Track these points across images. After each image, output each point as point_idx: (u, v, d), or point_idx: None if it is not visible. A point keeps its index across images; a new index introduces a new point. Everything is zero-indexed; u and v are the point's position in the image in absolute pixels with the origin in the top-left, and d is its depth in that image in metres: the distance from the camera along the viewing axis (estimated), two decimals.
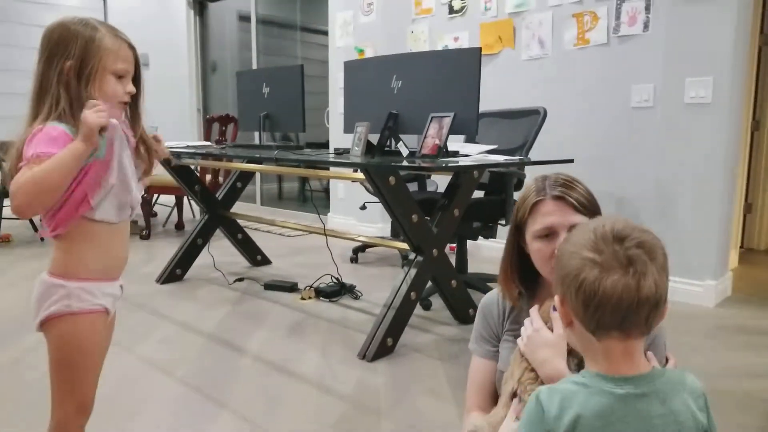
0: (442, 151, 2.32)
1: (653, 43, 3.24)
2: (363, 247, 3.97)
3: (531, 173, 3.29)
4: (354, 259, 3.85)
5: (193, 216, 5.34)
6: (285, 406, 1.87)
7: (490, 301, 1.27)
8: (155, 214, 5.21)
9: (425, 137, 2.41)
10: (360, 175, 2.45)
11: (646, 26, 3.30)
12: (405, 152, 2.45)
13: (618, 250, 0.77)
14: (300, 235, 4.78)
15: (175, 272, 3.29)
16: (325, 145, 4.95)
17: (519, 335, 1.15)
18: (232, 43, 6.76)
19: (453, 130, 2.36)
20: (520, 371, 1.08)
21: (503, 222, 2.85)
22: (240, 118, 3.49)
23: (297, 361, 2.22)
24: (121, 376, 2.06)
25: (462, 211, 2.50)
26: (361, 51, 4.81)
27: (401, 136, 2.57)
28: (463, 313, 2.61)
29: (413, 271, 2.36)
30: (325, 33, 5.19)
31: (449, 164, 2.22)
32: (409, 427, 1.71)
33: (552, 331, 1.06)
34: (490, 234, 2.97)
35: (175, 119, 6.70)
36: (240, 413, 1.81)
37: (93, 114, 1.08)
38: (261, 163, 3.28)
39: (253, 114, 3.31)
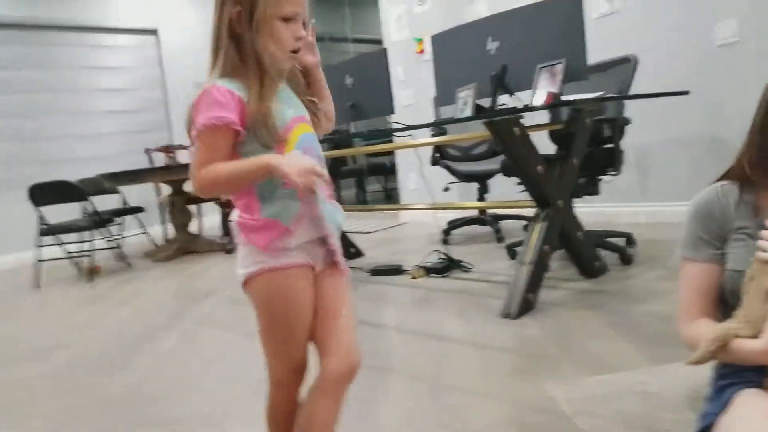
0: (558, 97, 2.27)
1: None
2: (449, 230, 3.93)
3: (646, 107, 3.24)
4: (445, 240, 3.81)
5: None
6: (452, 364, 1.83)
7: (709, 200, 1.19)
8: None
9: (536, 89, 2.37)
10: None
11: None
12: (521, 105, 2.41)
13: None
14: (379, 229, 4.78)
15: None
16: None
17: (751, 234, 1.10)
18: None
19: (564, 78, 2.31)
20: None
21: (614, 172, 2.78)
22: None
23: (441, 327, 2.19)
24: None
25: (580, 161, 2.44)
26: (420, 40, 4.82)
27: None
28: (590, 267, 2.54)
29: (544, 224, 2.31)
30: (375, 41, 5.23)
31: (574, 101, 2.17)
32: (590, 367, 1.65)
33: None
34: (595, 190, 2.90)
35: None
36: (412, 375, 1.77)
37: (301, 178, 0.97)
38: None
39: (340, 107, 3.32)
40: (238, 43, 1.07)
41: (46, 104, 5.83)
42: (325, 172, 1.03)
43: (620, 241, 2.89)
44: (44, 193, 4.02)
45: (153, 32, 6.63)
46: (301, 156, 1.04)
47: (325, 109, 1.24)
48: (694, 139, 3.44)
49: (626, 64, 2.94)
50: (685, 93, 2.54)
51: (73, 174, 4.63)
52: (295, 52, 1.12)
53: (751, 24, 3.11)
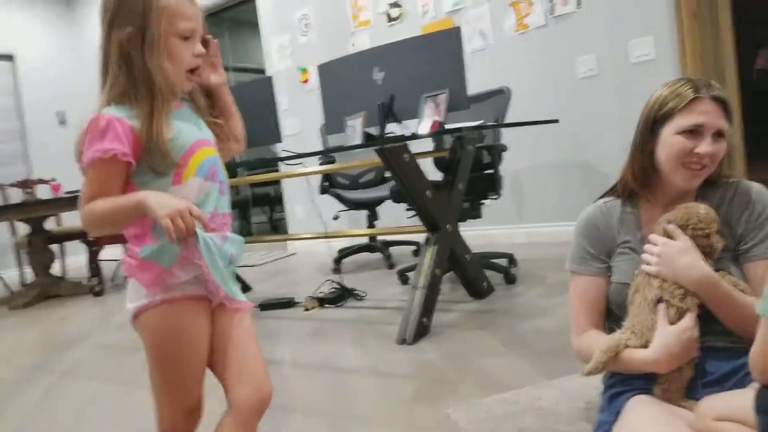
0: (443, 125, 2.34)
1: (589, 16, 3.48)
2: (341, 258, 3.91)
3: (519, 135, 3.44)
4: (337, 269, 3.77)
5: None
6: (352, 395, 1.79)
7: (594, 216, 1.25)
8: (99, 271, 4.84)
9: (422, 117, 2.43)
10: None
11: (579, 2, 3.53)
12: (409, 134, 2.45)
13: None
14: (266, 261, 4.64)
15: None
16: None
17: (634, 248, 1.17)
18: None
19: (447, 107, 2.40)
20: (657, 281, 1.09)
21: (495, 196, 2.91)
22: None
23: (339, 358, 2.14)
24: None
25: (465, 186, 2.53)
26: (305, 70, 4.82)
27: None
28: (478, 288, 2.62)
29: (435, 248, 2.35)
30: (258, 71, 5.16)
31: (460, 129, 2.25)
32: (488, 386, 1.68)
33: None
34: (477, 214, 3.02)
35: None
36: (312, 412, 1.71)
37: (169, 221, 0.92)
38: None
39: None
40: (129, 65, 1.02)
41: None
42: (201, 213, 0.98)
43: (503, 262, 3.02)
44: None
45: (8, 57, 6.07)
46: (173, 197, 0.98)
47: (234, 131, 1.20)
48: (563, 164, 3.71)
49: (501, 95, 3.12)
50: (555, 121, 2.74)
51: None
52: (193, 71, 1.08)
53: (608, 58, 3.44)
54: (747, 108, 4.68)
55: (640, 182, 1.19)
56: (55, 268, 4.52)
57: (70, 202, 4.15)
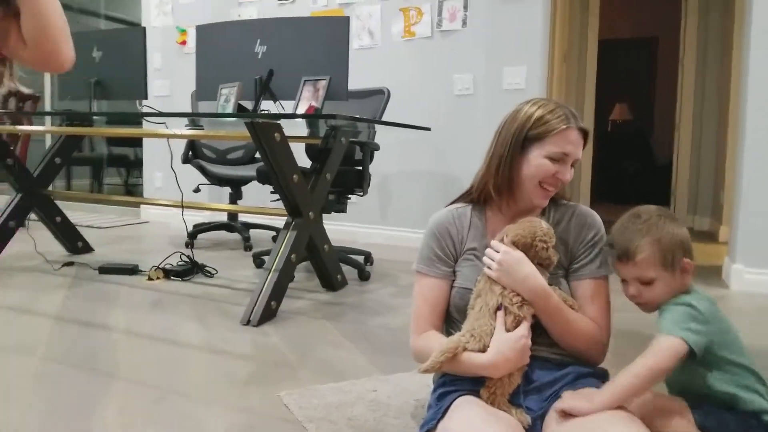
0: (319, 111, 2.34)
1: (471, 37, 3.67)
2: (195, 234, 3.75)
3: (391, 139, 3.50)
4: (190, 244, 3.61)
5: None
6: (184, 370, 1.72)
7: (445, 220, 1.30)
8: None
9: (299, 100, 2.41)
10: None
11: (464, 22, 3.70)
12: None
13: None
14: (114, 225, 4.33)
15: None
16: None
17: (478, 254, 1.24)
18: None
19: (326, 95, 2.40)
20: (499, 288, 1.16)
21: (361, 193, 2.96)
22: (61, 86, 3.07)
23: (177, 331, 2.04)
24: None
25: (333, 176, 2.54)
26: (183, 31, 4.56)
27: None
28: (332, 280, 2.64)
29: (293, 233, 2.34)
30: (131, 23, 4.81)
31: (335, 116, 2.25)
32: (326, 374, 1.70)
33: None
34: (342, 208, 3.05)
35: None
36: (138, 381, 1.61)
37: None
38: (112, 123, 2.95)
39: (80, 81, 2.93)
40: None
41: None
42: None
43: (360, 259, 3.08)
44: None
45: None
46: None
47: (26, 25, 0.86)
48: (429, 173, 3.87)
49: (380, 95, 3.18)
50: (428, 129, 2.84)
51: None
52: None
53: (483, 80, 3.64)
54: (597, 152, 5.17)
55: (499, 192, 1.25)
56: None
57: None
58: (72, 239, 3.23)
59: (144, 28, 2.90)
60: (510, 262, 1.15)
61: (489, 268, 1.18)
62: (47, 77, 5.52)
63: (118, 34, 3.04)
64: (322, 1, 4.11)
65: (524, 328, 1.13)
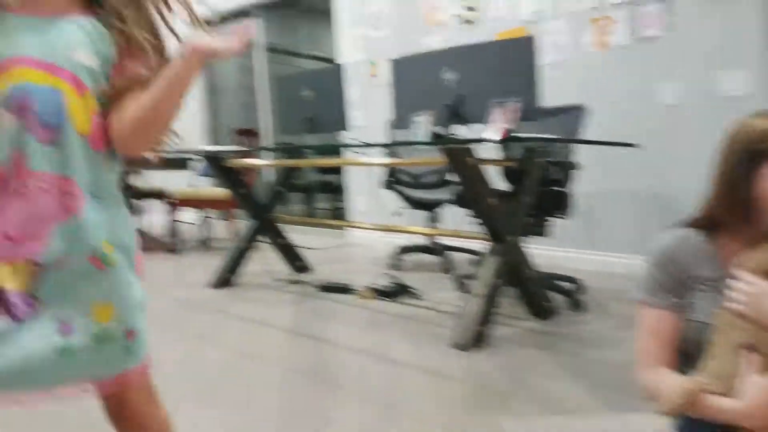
0: (512, 134, 2.30)
1: (676, 43, 3.34)
2: (401, 254, 3.91)
3: (593, 156, 3.34)
4: (394, 265, 3.78)
5: (213, 234, 5.19)
6: (403, 388, 1.79)
7: (672, 247, 1.18)
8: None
9: (489, 123, 2.40)
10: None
11: (668, 27, 3.39)
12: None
13: None
14: (326, 247, 4.70)
15: (227, 277, 3.19)
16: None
17: (714, 284, 1.11)
18: (232, 68, 6.80)
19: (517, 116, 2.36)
20: (745, 324, 1.03)
21: (563, 215, 2.84)
22: (281, 123, 3.46)
23: (391, 349, 2.15)
24: (217, 364, 1.95)
25: (532, 199, 2.48)
26: (374, 64, 4.85)
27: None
28: (540, 307, 2.56)
29: (495, 258, 2.32)
30: (327, 60, 5.25)
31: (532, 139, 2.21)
32: (543, 406, 1.64)
33: None
34: (543, 231, 2.94)
35: (188, 138, 6.65)
36: (363, 394, 1.72)
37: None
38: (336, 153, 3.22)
39: (295, 118, 3.27)
40: None
41: None
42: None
43: (569, 286, 2.94)
44: None
45: None
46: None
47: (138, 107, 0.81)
48: (639, 192, 3.59)
49: (576, 111, 3.03)
50: (632, 145, 2.66)
51: None
52: None
53: (694, 89, 3.30)
54: None
55: (733, 216, 1.13)
56: (138, 223, 4.76)
57: (148, 162, 4.35)
58: (294, 259, 3.57)
59: (340, 65, 3.14)
60: (758, 294, 1.02)
61: (732, 300, 1.05)
62: (263, 115, 6.22)
63: (320, 73, 3.33)
64: (506, 21, 4.06)
65: None
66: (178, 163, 4.49)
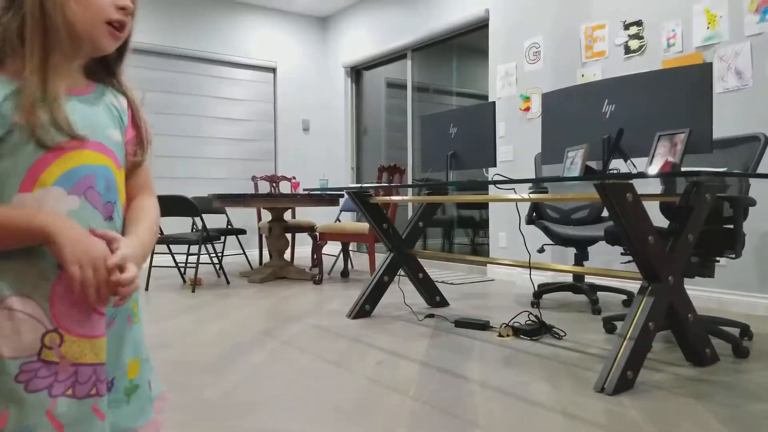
0: (677, 167, 2.15)
1: None
2: (541, 293, 3.78)
3: (766, 198, 3.03)
4: (535, 304, 3.66)
5: (351, 266, 5.42)
6: (540, 429, 1.71)
7: None
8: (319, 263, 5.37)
9: (653, 156, 2.26)
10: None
11: None
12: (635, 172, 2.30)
13: None
14: (464, 282, 4.68)
15: (364, 308, 3.30)
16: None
17: None
18: (381, 108, 7.11)
19: (685, 149, 2.20)
20: None
21: (732, 255, 2.58)
22: (423, 160, 3.54)
23: (528, 389, 2.07)
24: (354, 391, 2.01)
25: (695, 237, 2.28)
26: (527, 98, 4.81)
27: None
28: (699, 353, 2.33)
29: (650, 299, 2.16)
30: (481, 96, 5.28)
31: (696, 173, 2.04)
32: None
33: None
34: (708, 272, 2.69)
35: (333, 176, 7.11)
36: None
37: (78, 271, 0.73)
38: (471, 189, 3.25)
39: (439, 155, 3.33)
40: (20, 7, 0.76)
41: (168, 125, 6.28)
42: (129, 274, 0.76)
43: (734, 332, 2.65)
44: (162, 206, 4.24)
45: (272, 69, 7.04)
46: (90, 237, 0.76)
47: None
48: None
49: (754, 142, 2.76)
50: None
51: (185, 191, 4.92)
52: (114, 26, 0.82)
53: None
54: None
55: None
56: (287, 254, 5.15)
57: (304, 198, 4.67)
58: (431, 293, 3.60)
59: (494, 103, 3.15)
60: None
61: None
62: (410, 152, 6.41)
63: (471, 111, 3.37)
64: (677, 48, 3.84)
65: None
66: (327, 200, 4.77)
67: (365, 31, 6.82)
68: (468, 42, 6.04)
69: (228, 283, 4.66)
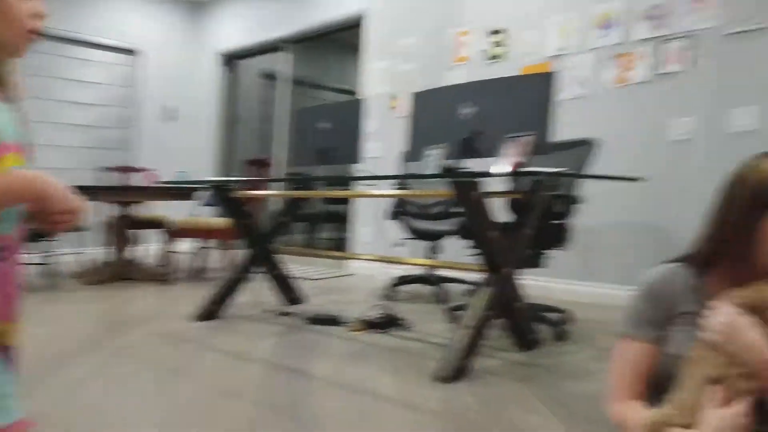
0: (524, 167, 2.30)
1: (696, 79, 3.35)
2: (397, 285, 3.89)
3: (599, 190, 3.32)
4: (390, 296, 3.76)
5: (208, 265, 5.21)
6: (380, 423, 1.76)
7: (661, 281, 1.18)
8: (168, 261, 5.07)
9: (501, 156, 2.40)
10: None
11: (690, 63, 3.40)
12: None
13: None
14: (325, 277, 4.70)
15: (213, 309, 3.16)
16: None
17: (695, 320, 1.10)
18: (253, 99, 6.92)
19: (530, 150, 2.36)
20: (717, 357, 1.02)
21: (562, 247, 2.82)
22: (294, 155, 3.50)
23: (373, 382, 2.11)
24: (188, 401, 1.93)
25: (533, 232, 2.46)
26: (397, 97, 4.93)
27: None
28: (525, 339, 2.53)
29: (491, 290, 2.30)
30: (352, 93, 5.33)
31: (534, 173, 2.20)
32: None
33: None
34: (540, 263, 2.93)
35: (198, 168, 6.75)
36: (337, 430, 1.69)
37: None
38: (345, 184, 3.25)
39: (309, 149, 3.30)
40: None
41: None
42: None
43: (557, 317, 2.90)
44: None
45: (132, 52, 6.56)
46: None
47: None
48: (641, 225, 3.55)
49: (586, 146, 3.04)
50: (634, 179, 2.63)
51: None
52: (34, 33, 0.88)
53: (705, 124, 3.29)
54: None
55: (729, 256, 1.12)
56: (135, 252, 4.76)
57: (157, 192, 4.40)
58: (287, 291, 3.56)
59: (360, 100, 3.17)
60: (734, 326, 1.01)
61: (707, 330, 1.04)
62: (277, 147, 6.30)
63: (340, 107, 3.37)
64: (533, 56, 4.11)
65: (744, 406, 0.96)
66: (182, 194, 4.52)
67: (242, 20, 6.57)
68: (345, 38, 6.06)
69: (55, 285, 4.10)
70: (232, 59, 6.88)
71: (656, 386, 1.15)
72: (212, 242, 4.91)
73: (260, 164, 5.26)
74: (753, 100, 3.13)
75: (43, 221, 0.84)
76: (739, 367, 0.99)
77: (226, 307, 3.22)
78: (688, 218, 3.25)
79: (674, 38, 3.47)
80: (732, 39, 3.23)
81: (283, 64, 6.29)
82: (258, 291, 3.54)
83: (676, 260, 1.21)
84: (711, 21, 3.33)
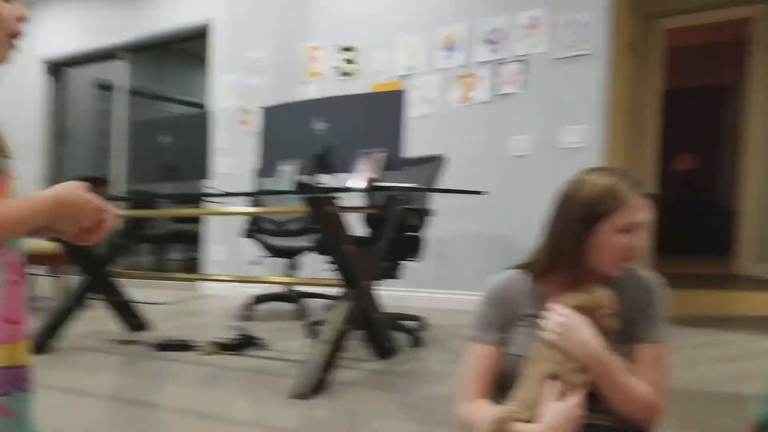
0: (377, 182, 2.34)
1: (530, 99, 3.66)
2: (255, 304, 3.77)
3: (448, 204, 3.46)
4: (248, 316, 3.63)
5: (37, 294, 4.68)
6: None
7: (503, 286, 1.25)
8: None
9: (355, 172, 2.42)
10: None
11: (522, 85, 3.71)
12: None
13: None
14: (174, 301, 4.43)
15: (43, 341, 2.81)
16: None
17: (534, 321, 1.18)
18: (87, 111, 6.37)
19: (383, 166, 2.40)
20: (554, 354, 1.10)
21: (416, 258, 2.91)
22: (135, 171, 3.24)
23: (227, 408, 2.00)
24: None
25: (388, 245, 2.51)
26: (248, 111, 4.79)
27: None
28: (383, 348, 2.56)
29: (348, 303, 2.30)
30: (200, 106, 5.11)
31: (387, 188, 2.25)
32: None
33: None
34: (396, 274, 3.00)
35: (23, 189, 6.02)
36: None
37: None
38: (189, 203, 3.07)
39: (149, 166, 3.08)
40: None
41: None
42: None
43: (413, 325, 2.99)
44: None
45: None
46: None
47: None
48: (486, 235, 3.79)
49: (435, 162, 3.17)
50: (480, 193, 2.80)
51: None
52: (14, 36, 0.85)
53: (540, 141, 3.61)
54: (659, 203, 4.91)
55: (563, 263, 1.20)
56: None
57: None
58: (129, 317, 3.29)
59: (206, 113, 3.04)
60: (569, 325, 1.10)
61: (545, 330, 1.13)
62: (115, 163, 5.86)
63: (185, 120, 3.19)
64: (384, 75, 4.22)
65: (576, 397, 1.05)
66: None
67: (71, 24, 6.01)
68: (191, 48, 5.79)
69: None
70: (59, 67, 6.29)
71: (502, 385, 1.21)
72: (41, 269, 4.41)
73: (95, 182, 4.84)
74: (580, 120, 3.48)
75: (74, 235, 0.85)
76: (573, 362, 1.08)
77: (58, 338, 2.89)
78: (528, 228, 3.51)
79: (509, 61, 3.77)
80: (559, 63, 3.58)
81: (120, 73, 5.87)
82: (97, 320, 3.23)
83: (518, 267, 1.29)
84: (541, 46, 3.66)
